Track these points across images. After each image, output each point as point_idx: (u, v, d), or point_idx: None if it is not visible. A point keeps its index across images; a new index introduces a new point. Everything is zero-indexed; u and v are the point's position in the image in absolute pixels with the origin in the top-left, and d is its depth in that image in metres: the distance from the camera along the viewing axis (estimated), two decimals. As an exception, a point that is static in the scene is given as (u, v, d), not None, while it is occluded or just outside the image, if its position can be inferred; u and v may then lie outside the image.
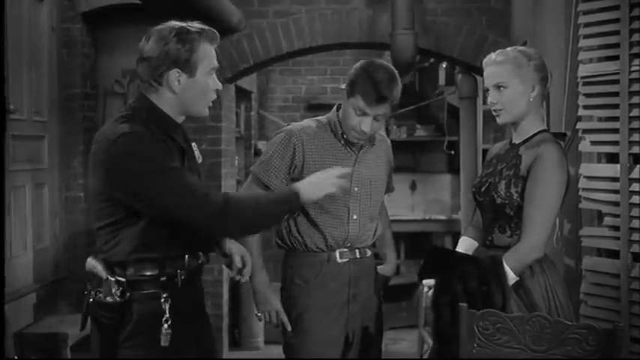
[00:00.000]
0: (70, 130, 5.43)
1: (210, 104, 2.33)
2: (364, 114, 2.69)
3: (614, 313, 3.22)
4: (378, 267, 3.01)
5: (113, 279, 2.20)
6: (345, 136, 2.80)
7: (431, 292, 2.62)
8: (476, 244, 2.80)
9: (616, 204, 3.21)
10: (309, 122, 2.87)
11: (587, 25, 3.41)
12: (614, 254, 3.27)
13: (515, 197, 2.57)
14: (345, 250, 2.82)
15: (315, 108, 7.67)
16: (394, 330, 6.33)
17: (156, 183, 2.15)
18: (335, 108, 2.85)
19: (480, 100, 6.85)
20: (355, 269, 2.84)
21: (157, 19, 6.11)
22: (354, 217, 2.80)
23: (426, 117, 8.27)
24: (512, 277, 2.49)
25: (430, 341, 4.63)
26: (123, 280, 2.20)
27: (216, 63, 2.31)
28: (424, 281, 2.69)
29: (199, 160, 2.45)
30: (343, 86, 2.77)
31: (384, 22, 5.53)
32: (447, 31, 5.56)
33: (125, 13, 5.50)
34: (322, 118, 2.89)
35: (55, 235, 5.33)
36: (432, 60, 7.38)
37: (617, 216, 3.21)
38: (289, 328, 2.83)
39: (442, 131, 8.03)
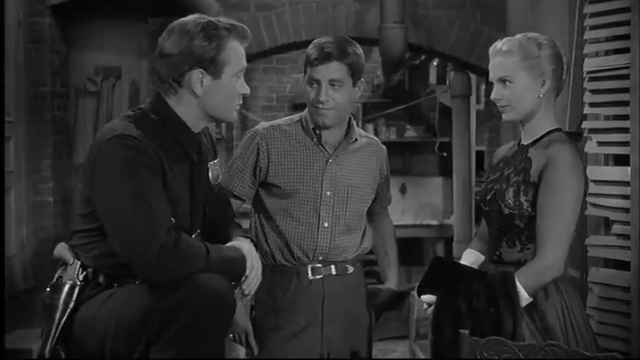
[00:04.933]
0: (38, 130, 5.32)
1: (238, 109, 2.24)
2: (317, 82, 2.59)
3: (624, 330, 3.16)
4: (378, 286, 2.87)
5: (79, 262, 2.18)
6: (317, 132, 2.67)
7: (430, 309, 2.46)
8: (482, 257, 2.65)
9: (625, 210, 3.13)
10: (280, 120, 2.77)
11: (593, 15, 3.36)
12: (623, 265, 3.18)
13: (525, 207, 2.41)
14: (319, 265, 2.67)
15: (301, 108, 7.55)
16: (384, 341, 6.29)
17: (116, 200, 2.07)
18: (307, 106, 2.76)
19: (473, 99, 6.92)
20: (331, 287, 2.68)
21: (132, 13, 5.94)
22: (325, 224, 2.65)
23: (416, 117, 8.34)
24: (525, 298, 2.33)
25: (422, 355, 4.47)
26: (90, 269, 2.18)
27: (244, 64, 2.19)
28: (423, 297, 2.50)
29: (216, 180, 2.35)
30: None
31: (372, 15, 5.58)
32: (438, 25, 5.61)
33: (98, 7, 5.42)
34: (295, 115, 2.77)
35: (22, 243, 5.21)
36: (422, 57, 7.45)
37: (627, 223, 3.13)
38: (256, 352, 2.69)
39: (433, 132, 8.13)
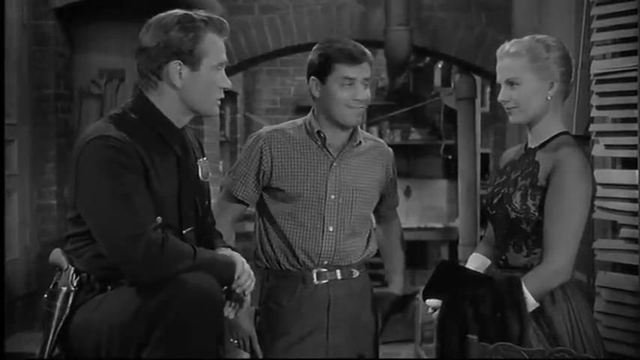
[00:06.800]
0: (42, 133, 5.30)
1: (219, 103, 2.22)
2: (352, 81, 2.57)
3: (632, 335, 3.10)
4: (382, 291, 2.84)
5: (73, 268, 2.15)
6: (322, 135, 2.64)
7: (435, 314, 2.43)
8: (488, 262, 2.60)
9: (633, 214, 3.08)
10: (283, 124, 2.75)
11: (600, 17, 3.30)
12: (631, 269, 3.13)
13: (532, 211, 2.37)
14: (324, 269, 2.63)
15: (305, 110, 7.51)
16: (388, 345, 6.19)
17: (99, 202, 2.06)
18: (312, 110, 2.72)
19: (478, 102, 6.89)
20: (336, 292, 2.64)
21: (136, 15, 5.99)
22: (330, 228, 2.62)
23: (421, 120, 8.30)
24: (532, 303, 2.29)
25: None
26: (84, 273, 2.15)
27: (224, 57, 2.19)
28: (428, 301, 2.47)
29: (206, 177, 2.32)
30: (310, 80, 2.66)
31: (377, 17, 5.53)
32: (443, 27, 5.56)
33: (102, 9, 5.42)
34: (299, 119, 2.74)
35: (25, 247, 5.17)
36: (427, 59, 7.42)
37: (635, 227, 3.07)
38: (260, 357, 2.66)
39: (438, 135, 8.10)
